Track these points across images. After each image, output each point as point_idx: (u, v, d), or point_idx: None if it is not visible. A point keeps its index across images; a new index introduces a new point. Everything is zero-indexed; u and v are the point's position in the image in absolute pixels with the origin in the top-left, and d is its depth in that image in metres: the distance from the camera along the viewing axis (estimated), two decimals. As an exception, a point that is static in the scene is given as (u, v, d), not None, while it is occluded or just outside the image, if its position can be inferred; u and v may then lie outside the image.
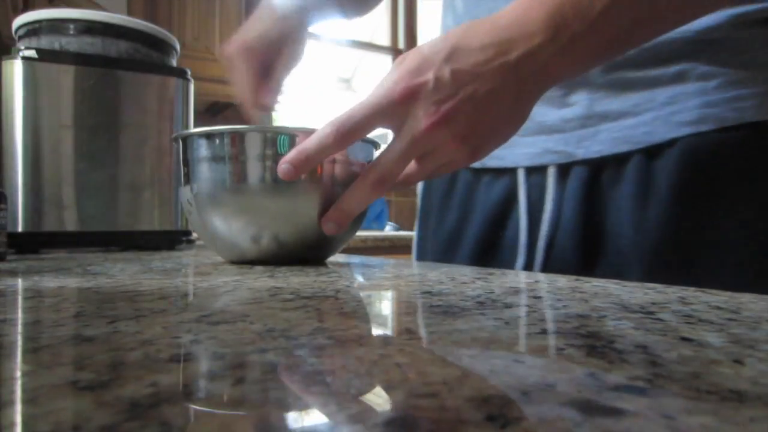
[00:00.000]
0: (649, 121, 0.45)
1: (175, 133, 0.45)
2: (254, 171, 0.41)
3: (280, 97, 0.57)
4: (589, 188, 0.47)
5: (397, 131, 0.37)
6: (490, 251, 0.54)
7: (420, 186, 0.65)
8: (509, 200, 0.53)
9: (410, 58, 0.37)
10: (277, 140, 0.41)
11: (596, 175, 0.47)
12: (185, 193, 0.45)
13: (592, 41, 0.35)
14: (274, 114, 0.58)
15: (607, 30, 0.35)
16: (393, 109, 0.36)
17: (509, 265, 0.52)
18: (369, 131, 0.38)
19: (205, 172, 0.43)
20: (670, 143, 0.43)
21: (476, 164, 0.56)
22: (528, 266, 0.51)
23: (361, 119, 0.37)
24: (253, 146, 0.42)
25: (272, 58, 0.56)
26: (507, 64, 0.35)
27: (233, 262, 0.46)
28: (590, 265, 0.46)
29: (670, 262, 0.42)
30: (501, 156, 0.53)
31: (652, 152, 0.44)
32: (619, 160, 0.46)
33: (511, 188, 0.53)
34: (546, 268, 0.49)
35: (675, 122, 0.43)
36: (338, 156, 0.42)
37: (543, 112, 0.50)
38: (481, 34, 0.35)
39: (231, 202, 0.42)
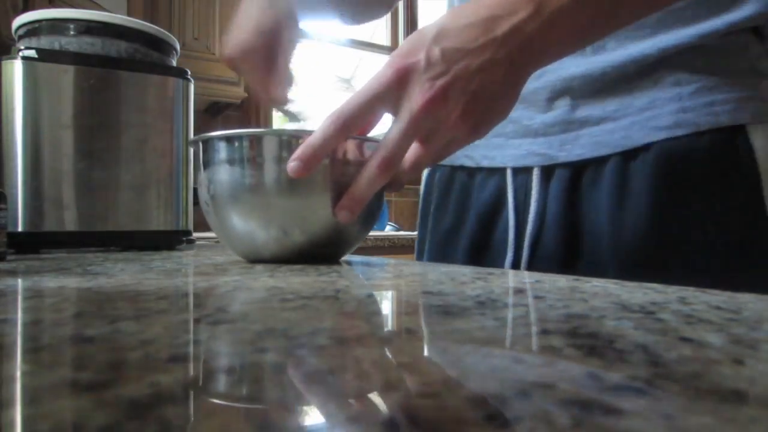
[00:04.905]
0: (627, 125, 0.47)
1: (193, 137, 0.45)
2: (270, 173, 0.42)
3: (290, 86, 0.56)
4: (571, 189, 0.50)
5: (396, 113, 0.38)
6: (483, 249, 0.56)
7: (421, 188, 0.67)
8: (499, 200, 0.56)
9: (402, 45, 0.38)
10: (293, 142, 0.42)
11: (577, 177, 0.50)
12: (203, 194, 0.46)
13: (576, 16, 0.35)
14: (291, 103, 0.57)
15: (591, 4, 0.35)
16: (388, 91, 0.37)
17: (499, 262, 0.54)
18: (369, 117, 0.39)
19: (222, 174, 0.43)
20: (646, 147, 0.46)
21: (470, 164, 0.58)
22: (515, 263, 0.53)
23: (359, 106, 0.37)
24: (270, 149, 0.42)
25: (273, 49, 0.56)
26: (494, 40, 0.35)
27: (251, 261, 0.47)
28: (572, 262, 0.49)
29: (644, 260, 0.44)
30: (491, 156, 0.55)
31: (629, 156, 0.46)
32: (598, 163, 0.48)
33: (500, 188, 0.55)
34: (531, 265, 0.51)
35: (651, 127, 0.46)
36: (351, 156, 0.43)
37: (529, 116, 0.53)
38: (467, 14, 0.36)
39: (248, 203, 0.42)
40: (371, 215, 0.46)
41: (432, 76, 0.36)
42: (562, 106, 0.51)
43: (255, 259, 0.46)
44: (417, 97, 0.36)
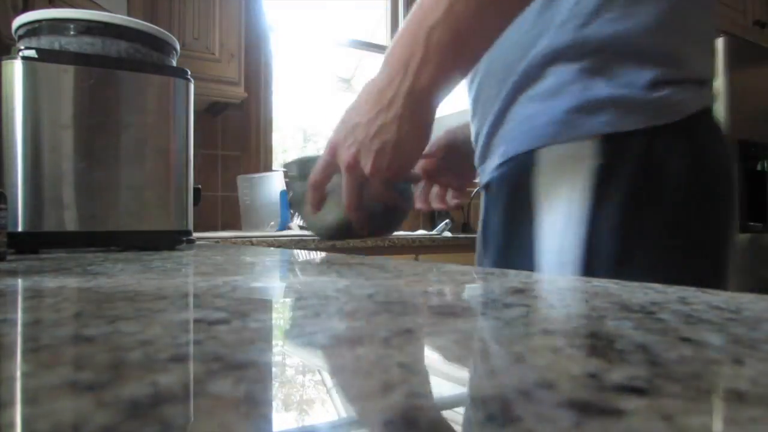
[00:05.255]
0: (508, 139, 0.55)
1: (284, 162, 0.55)
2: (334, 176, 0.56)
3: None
4: (487, 202, 0.61)
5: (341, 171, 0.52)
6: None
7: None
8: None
9: (337, 125, 0.52)
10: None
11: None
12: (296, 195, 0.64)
13: (455, 49, 0.44)
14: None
15: (464, 31, 0.43)
16: (331, 159, 0.52)
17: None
18: (329, 177, 0.54)
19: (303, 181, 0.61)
20: (513, 158, 0.54)
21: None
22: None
23: (319, 171, 0.54)
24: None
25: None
26: (383, 108, 0.47)
27: (331, 238, 0.61)
28: (483, 251, 0.62)
29: (508, 246, 0.55)
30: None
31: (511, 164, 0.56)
32: (500, 180, 0.57)
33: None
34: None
35: (520, 139, 0.53)
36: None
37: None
38: (366, 97, 0.49)
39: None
40: (404, 191, 0.61)
41: (347, 147, 0.50)
42: (480, 143, 0.61)
43: (333, 237, 0.62)
44: (342, 162, 0.51)
